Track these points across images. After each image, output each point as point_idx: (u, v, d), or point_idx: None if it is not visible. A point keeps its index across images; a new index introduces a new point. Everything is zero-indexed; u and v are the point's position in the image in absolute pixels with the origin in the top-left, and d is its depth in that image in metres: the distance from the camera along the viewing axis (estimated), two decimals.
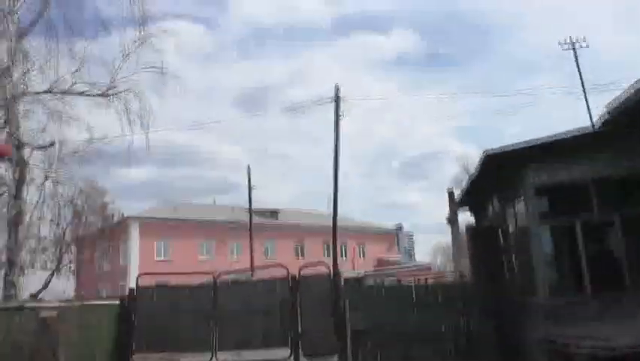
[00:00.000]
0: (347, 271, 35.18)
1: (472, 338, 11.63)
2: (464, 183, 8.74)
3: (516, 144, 5.92)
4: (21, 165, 12.98)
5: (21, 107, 13.13)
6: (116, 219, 21.52)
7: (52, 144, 14.24)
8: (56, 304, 12.00)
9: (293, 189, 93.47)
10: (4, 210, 13.73)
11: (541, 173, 6.07)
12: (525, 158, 6.09)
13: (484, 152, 6.12)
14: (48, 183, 14.54)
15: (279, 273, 13.55)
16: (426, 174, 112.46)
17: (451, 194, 30.30)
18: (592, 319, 5.02)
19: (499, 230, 7.84)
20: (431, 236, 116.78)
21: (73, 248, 20.50)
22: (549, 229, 6.97)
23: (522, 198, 6.36)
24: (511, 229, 7.41)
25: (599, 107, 6.24)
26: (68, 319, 10.45)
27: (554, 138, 6.01)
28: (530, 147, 5.91)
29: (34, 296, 17.25)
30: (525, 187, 6.12)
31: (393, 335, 12.20)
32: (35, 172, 13.96)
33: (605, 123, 5.76)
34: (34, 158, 13.93)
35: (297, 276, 13.08)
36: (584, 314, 5.28)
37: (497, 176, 7.04)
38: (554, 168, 6.07)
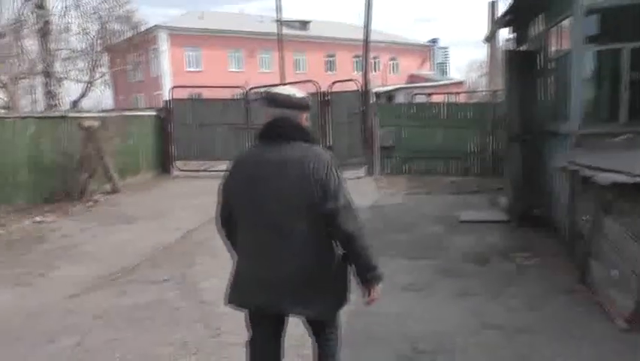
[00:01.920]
0: (378, 86, 35.02)
1: (497, 158, 11.97)
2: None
3: None
4: None
5: None
6: (143, 28, 21.06)
7: None
8: (97, 114, 12.57)
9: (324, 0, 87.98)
10: (31, 19, 13.58)
11: None
12: None
13: None
14: None
15: (310, 88, 13.62)
16: None
17: (492, 6, 28.27)
18: (620, 149, 5.04)
19: (539, 54, 7.44)
20: (467, 51, 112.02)
21: (105, 58, 20.60)
22: (593, 54, 6.60)
23: (570, 18, 5.88)
24: (552, 52, 7.02)
25: None
26: (110, 128, 11.00)
27: None
28: None
29: (75, 103, 17.94)
30: (574, 7, 5.62)
31: (419, 151, 12.64)
32: None
33: None
34: None
35: (328, 91, 13.15)
36: (614, 144, 5.28)
37: None
38: None
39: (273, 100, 2.48)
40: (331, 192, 2.32)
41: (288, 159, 2.35)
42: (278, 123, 2.42)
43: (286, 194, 2.33)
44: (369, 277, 2.45)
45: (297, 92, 2.51)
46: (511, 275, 5.31)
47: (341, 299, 2.55)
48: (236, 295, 2.51)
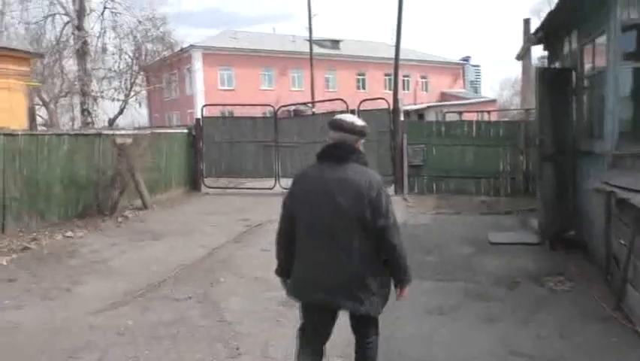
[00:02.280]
0: (409, 104, 34.87)
1: (529, 178, 11.66)
2: (543, 13, 7.92)
3: None
4: None
5: None
6: (178, 47, 21.57)
7: None
8: (130, 131, 12.85)
9: (356, 18, 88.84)
10: (71, 41, 14.10)
11: (630, 8, 5.34)
12: None
13: None
14: (107, 14, 14.47)
15: (340, 106, 13.63)
16: (502, 0, 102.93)
17: (526, 23, 27.93)
18: None
19: (573, 72, 7.23)
20: (500, 69, 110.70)
21: (141, 77, 21.21)
22: (630, 72, 6.36)
23: (605, 35, 5.71)
24: (587, 69, 6.82)
25: None
26: (142, 145, 11.20)
27: None
28: None
29: (111, 121, 18.46)
30: (610, 23, 5.45)
31: (449, 170, 12.44)
32: (94, 2, 13.86)
33: None
34: None
35: (357, 109, 13.11)
36: None
37: (581, 10, 6.29)
38: None
39: (337, 125, 2.89)
40: (383, 210, 2.75)
41: (345, 178, 2.76)
42: (337, 146, 2.86)
43: (343, 210, 2.74)
44: (403, 278, 2.95)
45: (358, 120, 2.96)
46: (543, 300, 5.10)
47: (384, 299, 2.94)
48: (298, 292, 2.98)
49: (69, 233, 8.55)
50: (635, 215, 4.37)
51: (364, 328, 3.03)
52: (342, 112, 13.37)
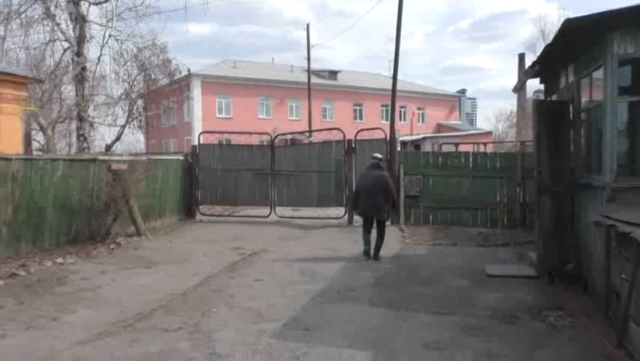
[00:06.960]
0: (405, 135, 35.05)
1: (526, 210, 11.60)
2: (537, 49, 7.99)
3: (604, 12, 5.16)
4: (80, 22, 13.02)
5: None
6: (179, 75, 21.71)
7: None
8: (126, 157, 12.78)
9: (354, 51, 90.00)
10: (70, 67, 14.19)
11: (627, 43, 5.37)
12: (611, 25, 5.35)
13: (565, 20, 5.41)
14: (111, 41, 14.58)
15: (337, 136, 13.64)
16: (496, 37, 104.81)
17: (521, 58, 28.23)
18: None
19: (570, 105, 7.25)
20: (495, 102, 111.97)
21: (140, 103, 21.31)
22: (627, 105, 6.38)
23: (601, 69, 5.74)
24: (584, 103, 6.84)
25: None
26: (138, 171, 11.10)
27: None
28: (618, 13, 5.14)
29: (108, 147, 18.44)
30: (607, 57, 5.47)
31: (446, 201, 12.38)
32: (95, 29, 14.00)
33: None
34: (92, 14, 13.89)
35: (354, 139, 13.12)
36: None
37: (577, 45, 6.33)
38: None
39: (374, 157, 9.21)
40: (391, 185, 8.96)
41: (378, 174, 8.91)
42: (375, 163, 9.07)
43: (377, 184, 8.75)
44: (396, 210, 10.74)
45: (380, 155, 9.50)
46: (542, 336, 4.96)
47: (389, 215, 9.27)
48: (361, 212, 9.11)
49: (59, 260, 8.39)
50: (636, 249, 4.29)
51: (381, 226, 8.83)
52: (338, 141, 13.44)
